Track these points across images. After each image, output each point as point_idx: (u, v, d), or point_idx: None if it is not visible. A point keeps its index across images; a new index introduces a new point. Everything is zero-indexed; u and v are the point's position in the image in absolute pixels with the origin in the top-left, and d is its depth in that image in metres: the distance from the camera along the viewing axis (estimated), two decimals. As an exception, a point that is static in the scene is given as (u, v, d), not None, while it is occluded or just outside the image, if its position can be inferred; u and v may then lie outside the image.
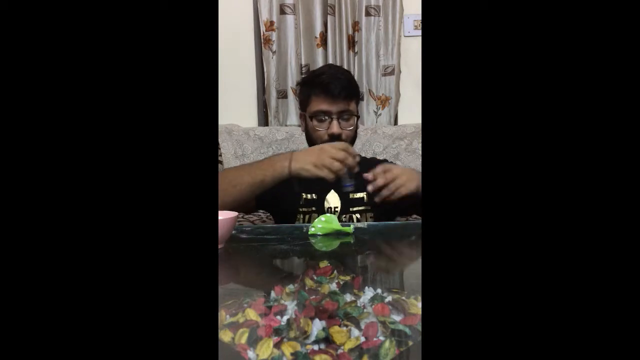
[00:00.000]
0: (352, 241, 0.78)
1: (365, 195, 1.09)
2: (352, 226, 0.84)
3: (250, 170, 0.95)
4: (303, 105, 1.12)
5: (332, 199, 1.08)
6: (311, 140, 1.11)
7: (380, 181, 0.88)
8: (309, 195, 1.08)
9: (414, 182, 0.89)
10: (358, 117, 1.11)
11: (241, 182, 0.93)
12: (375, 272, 0.62)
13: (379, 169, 0.91)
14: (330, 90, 1.02)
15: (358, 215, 1.08)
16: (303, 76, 1.63)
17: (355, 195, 1.08)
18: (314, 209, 1.07)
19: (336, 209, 1.07)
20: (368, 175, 0.90)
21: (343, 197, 1.07)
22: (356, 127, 1.11)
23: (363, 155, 1.48)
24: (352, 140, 1.10)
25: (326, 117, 1.05)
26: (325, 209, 1.07)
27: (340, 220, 1.05)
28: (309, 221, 1.06)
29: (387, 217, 1.08)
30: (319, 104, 1.04)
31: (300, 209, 1.08)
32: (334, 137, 1.04)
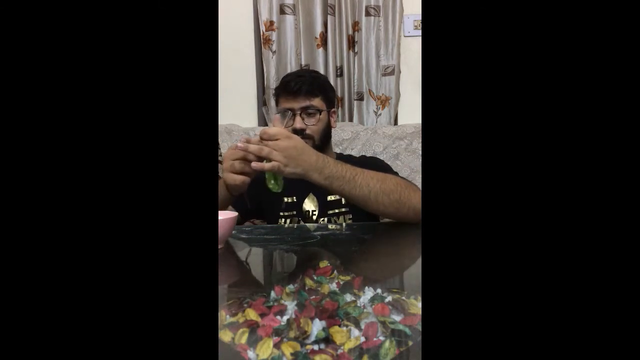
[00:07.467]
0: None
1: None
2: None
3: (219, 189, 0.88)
4: (277, 106, 1.17)
5: (309, 203, 1.09)
6: None
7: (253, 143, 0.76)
8: (289, 199, 1.10)
9: (295, 165, 0.75)
10: (330, 111, 1.14)
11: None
12: (375, 271, 0.62)
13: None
14: (290, 88, 1.08)
15: (336, 219, 1.07)
16: None
17: (333, 197, 1.08)
18: (294, 212, 1.09)
19: (314, 213, 1.08)
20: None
21: (320, 200, 1.08)
22: (328, 123, 1.13)
23: (362, 154, 1.48)
24: (323, 134, 1.11)
25: (290, 114, 1.04)
26: (304, 212, 1.08)
27: (317, 223, 1.05)
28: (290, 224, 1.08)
29: (366, 219, 1.07)
30: (283, 102, 1.10)
31: (282, 213, 1.09)
32: (297, 132, 1.05)
